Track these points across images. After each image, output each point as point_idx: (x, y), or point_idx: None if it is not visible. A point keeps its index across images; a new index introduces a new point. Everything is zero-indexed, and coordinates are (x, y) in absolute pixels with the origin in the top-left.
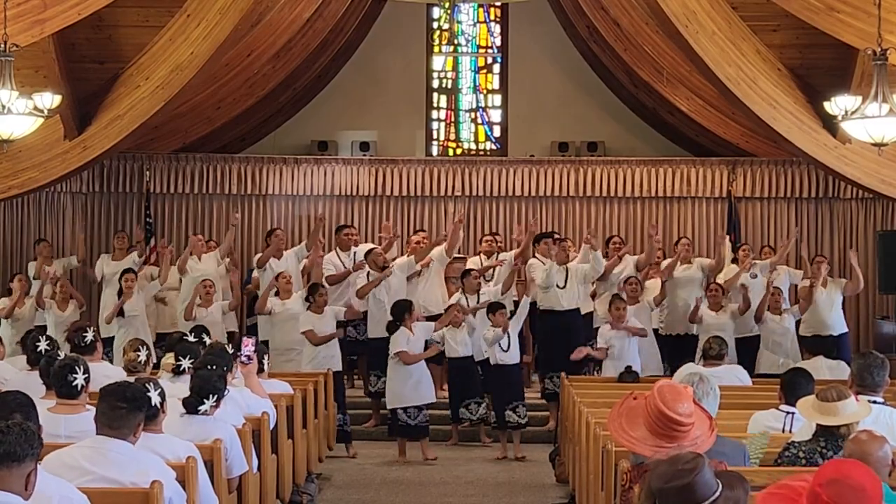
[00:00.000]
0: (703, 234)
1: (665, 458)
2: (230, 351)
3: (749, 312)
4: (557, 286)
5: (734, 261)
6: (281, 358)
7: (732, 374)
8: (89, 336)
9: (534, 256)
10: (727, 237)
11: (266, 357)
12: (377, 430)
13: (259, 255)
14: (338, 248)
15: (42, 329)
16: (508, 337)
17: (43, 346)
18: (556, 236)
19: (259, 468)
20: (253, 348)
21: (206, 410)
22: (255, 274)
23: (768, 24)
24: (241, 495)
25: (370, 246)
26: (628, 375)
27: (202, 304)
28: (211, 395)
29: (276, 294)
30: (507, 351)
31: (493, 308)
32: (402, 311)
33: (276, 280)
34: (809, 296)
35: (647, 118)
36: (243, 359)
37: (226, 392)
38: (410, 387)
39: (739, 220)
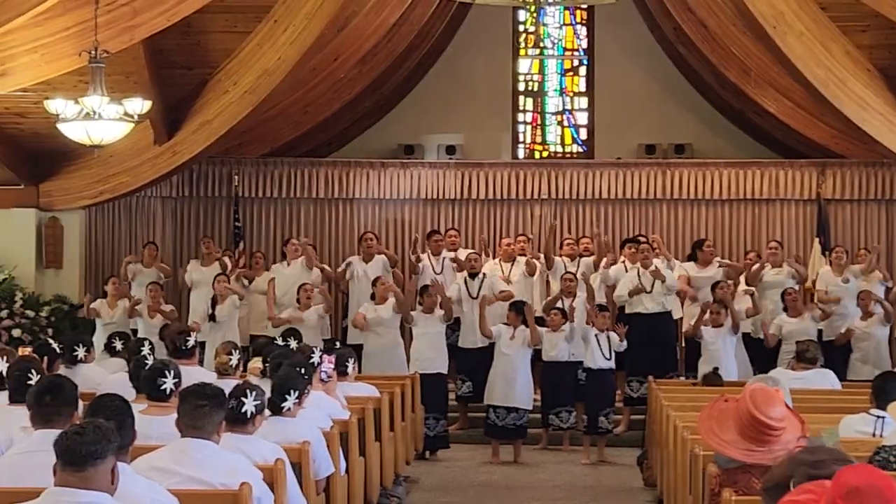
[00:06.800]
0: (792, 236)
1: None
2: (314, 357)
3: (838, 318)
4: (644, 291)
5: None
6: (373, 363)
7: (823, 378)
8: (191, 341)
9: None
10: (817, 239)
11: (351, 361)
12: (464, 433)
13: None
14: (430, 252)
15: (134, 334)
16: (609, 342)
17: (146, 350)
18: (642, 239)
19: (347, 471)
20: (332, 366)
21: (289, 408)
22: (340, 269)
23: (858, 24)
24: (328, 498)
25: (469, 251)
26: (715, 377)
27: (300, 308)
28: (292, 391)
29: (372, 298)
30: (609, 359)
31: (602, 310)
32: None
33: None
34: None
35: (735, 120)
36: (322, 376)
37: (307, 391)
38: (500, 387)
39: (829, 222)
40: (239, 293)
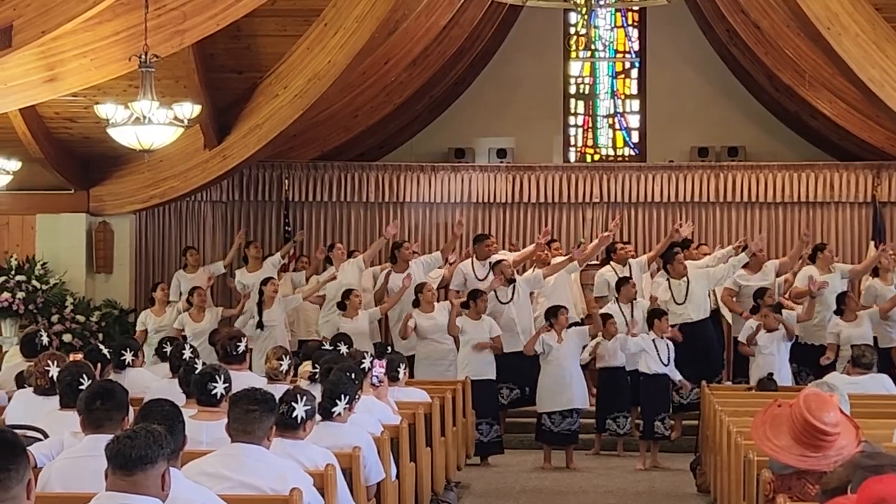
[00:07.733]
0: (847, 240)
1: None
2: (365, 362)
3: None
4: (676, 303)
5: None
6: (430, 368)
7: (878, 383)
8: (242, 346)
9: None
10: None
11: (402, 366)
12: (514, 439)
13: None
14: (475, 257)
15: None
16: (668, 348)
17: (187, 354)
18: (692, 245)
19: (398, 476)
20: (383, 370)
21: (339, 413)
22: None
23: None
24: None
25: (502, 256)
26: (769, 382)
27: (347, 315)
28: (343, 396)
29: (415, 305)
30: (666, 364)
31: (657, 314)
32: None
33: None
34: None
35: (789, 122)
36: (373, 380)
37: (358, 396)
38: (555, 393)
39: (885, 225)
40: (293, 293)
